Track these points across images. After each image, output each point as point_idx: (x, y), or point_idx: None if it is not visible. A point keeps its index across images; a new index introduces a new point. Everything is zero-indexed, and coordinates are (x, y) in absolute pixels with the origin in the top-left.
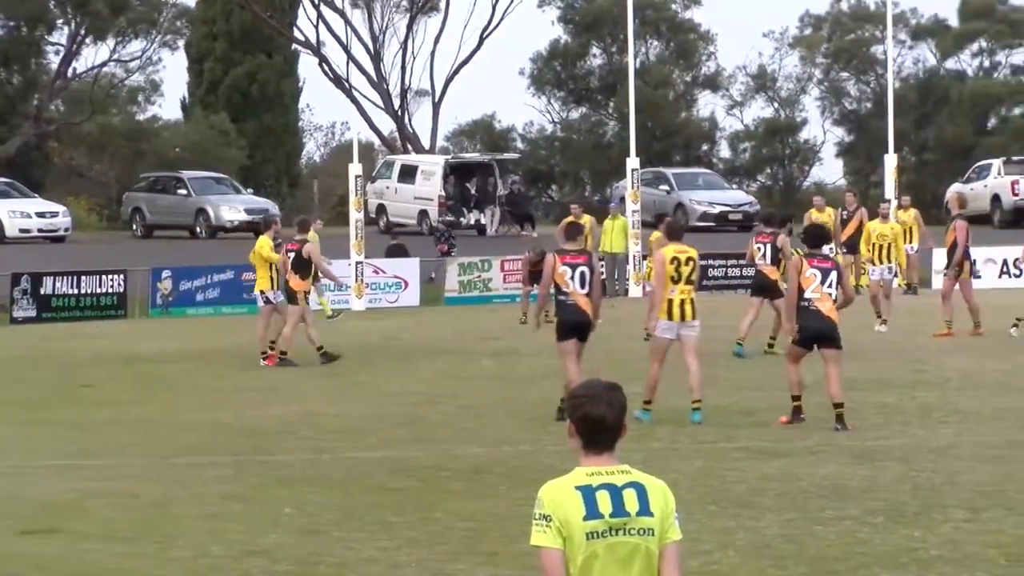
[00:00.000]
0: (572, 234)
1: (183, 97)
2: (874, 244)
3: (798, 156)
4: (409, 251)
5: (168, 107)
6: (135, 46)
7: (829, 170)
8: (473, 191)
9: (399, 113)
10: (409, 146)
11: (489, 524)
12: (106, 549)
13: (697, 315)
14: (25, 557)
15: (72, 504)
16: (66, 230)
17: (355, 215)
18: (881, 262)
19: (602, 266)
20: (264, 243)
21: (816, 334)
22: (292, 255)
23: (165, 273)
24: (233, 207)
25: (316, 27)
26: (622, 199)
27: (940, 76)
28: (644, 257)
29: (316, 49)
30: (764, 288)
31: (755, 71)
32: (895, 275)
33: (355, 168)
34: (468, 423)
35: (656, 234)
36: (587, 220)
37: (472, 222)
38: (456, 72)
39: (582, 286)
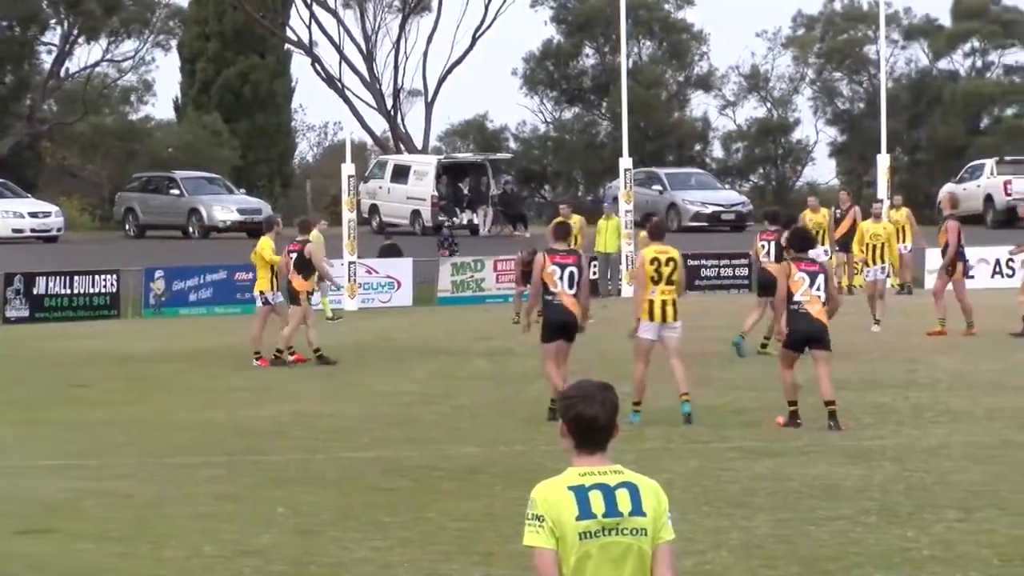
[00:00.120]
0: (561, 234)
1: (176, 97)
2: (867, 244)
3: (791, 156)
4: (403, 251)
5: (161, 107)
6: (128, 46)
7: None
8: (466, 191)
9: (392, 113)
10: (402, 146)
11: (483, 524)
12: (100, 549)
13: (679, 316)
14: (20, 557)
15: (66, 504)
16: (59, 230)
17: (348, 215)
18: (875, 262)
19: (595, 266)
20: (266, 244)
21: (806, 336)
22: (294, 255)
23: (158, 273)
24: (226, 207)
25: (309, 27)
26: (615, 199)
27: (933, 76)
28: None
29: (309, 49)
30: (768, 286)
31: (748, 71)
32: (888, 275)
33: (348, 168)
34: (461, 423)
35: (642, 234)
36: (576, 220)
37: (465, 222)
38: (449, 72)
39: (570, 286)
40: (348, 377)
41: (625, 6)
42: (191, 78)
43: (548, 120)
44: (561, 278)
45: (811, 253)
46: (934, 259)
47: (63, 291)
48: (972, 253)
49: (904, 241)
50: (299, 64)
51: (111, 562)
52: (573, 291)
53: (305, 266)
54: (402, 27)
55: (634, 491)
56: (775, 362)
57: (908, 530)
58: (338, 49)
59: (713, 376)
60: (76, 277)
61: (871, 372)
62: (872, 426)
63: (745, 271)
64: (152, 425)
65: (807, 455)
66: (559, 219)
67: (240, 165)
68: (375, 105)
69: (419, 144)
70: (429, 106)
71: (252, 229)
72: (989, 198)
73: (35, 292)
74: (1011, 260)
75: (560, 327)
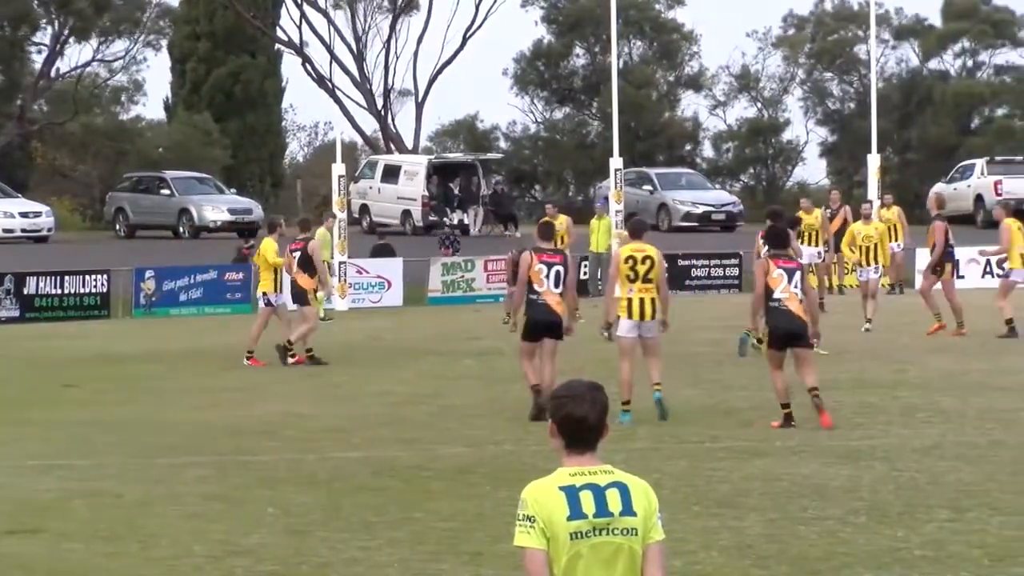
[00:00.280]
0: (546, 234)
1: (166, 97)
2: (860, 246)
3: (781, 156)
4: (396, 251)
5: (151, 107)
6: (118, 46)
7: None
8: (456, 191)
9: (382, 113)
10: (392, 146)
11: (472, 524)
12: (89, 549)
13: (658, 314)
14: (8, 557)
15: (55, 504)
16: (49, 230)
17: (338, 215)
18: (868, 263)
19: (586, 265)
20: (268, 246)
21: (788, 333)
22: (297, 254)
23: (148, 273)
24: (216, 207)
25: (299, 27)
26: (606, 199)
27: (923, 76)
28: None
29: (299, 49)
30: None
31: (738, 71)
32: (881, 275)
33: (338, 168)
34: (451, 423)
35: (623, 233)
36: (563, 220)
37: (455, 222)
38: (439, 72)
39: (556, 285)
40: (338, 377)
41: (615, 6)
42: (182, 78)
43: (539, 120)
44: (547, 276)
45: (805, 254)
46: (924, 259)
47: (53, 291)
48: (962, 253)
49: (896, 240)
50: (290, 64)
51: (100, 562)
52: (559, 290)
53: (309, 264)
54: (392, 27)
55: (624, 491)
56: (766, 363)
57: (898, 530)
58: (328, 49)
59: (704, 376)
60: (66, 277)
61: (861, 372)
62: (862, 426)
63: (736, 271)
64: (142, 425)
65: (797, 455)
66: (545, 219)
67: (231, 165)
68: (365, 105)
69: (409, 144)
70: (419, 106)
71: (242, 229)
72: (979, 198)
73: (25, 292)
74: (985, 256)
75: (543, 327)
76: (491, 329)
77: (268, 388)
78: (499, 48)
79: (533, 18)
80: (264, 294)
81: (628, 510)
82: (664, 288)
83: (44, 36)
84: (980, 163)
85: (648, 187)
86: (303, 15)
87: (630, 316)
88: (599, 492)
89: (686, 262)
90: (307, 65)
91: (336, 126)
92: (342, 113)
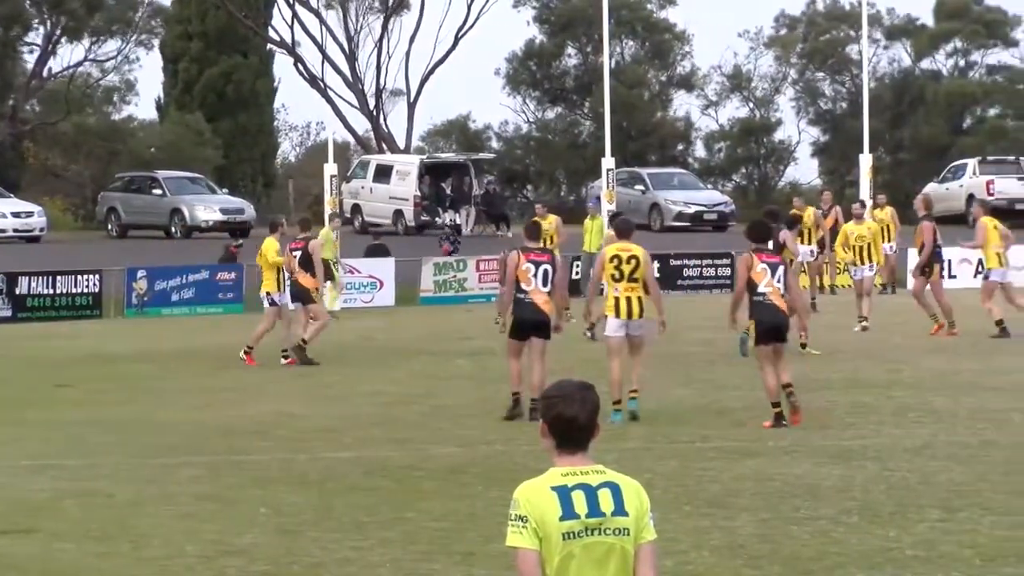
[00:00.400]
0: (534, 233)
1: (158, 97)
2: (853, 247)
3: (773, 156)
4: (390, 251)
5: (143, 107)
6: (110, 46)
7: (804, 170)
8: (448, 191)
9: (374, 113)
10: (384, 146)
11: (464, 524)
12: (81, 549)
13: (645, 314)
14: (0, 557)
15: (47, 504)
16: (41, 230)
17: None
18: (862, 262)
19: (578, 265)
20: (270, 246)
21: (773, 326)
22: (298, 254)
23: (140, 273)
24: (208, 207)
25: (291, 27)
26: (598, 199)
27: (915, 76)
28: None
29: (291, 49)
30: None
31: (730, 71)
32: (875, 272)
33: (330, 168)
34: (443, 423)
35: (610, 232)
36: (552, 220)
37: (448, 222)
38: (431, 72)
39: (544, 284)
40: (330, 377)
41: (607, 6)
42: (174, 78)
43: (531, 120)
44: (535, 275)
45: (801, 253)
46: (915, 261)
47: (46, 291)
48: (953, 254)
49: (889, 240)
50: (282, 64)
51: (92, 562)
52: (547, 289)
53: (310, 263)
54: (384, 27)
55: (616, 491)
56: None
57: (890, 530)
58: (320, 49)
59: (695, 376)
60: (59, 277)
61: (853, 371)
62: (854, 426)
63: (727, 271)
64: (134, 425)
65: (789, 455)
66: (533, 219)
67: (222, 165)
68: (357, 105)
69: (401, 144)
70: (411, 106)
71: (234, 229)
72: (971, 198)
73: (17, 292)
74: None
75: (530, 325)
76: (483, 329)
77: (260, 388)
78: (491, 48)
79: (525, 18)
80: (268, 294)
81: (620, 510)
82: (655, 288)
83: (36, 36)
84: (972, 163)
85: (640, 187)
86: (295, 15)
87: (617, 315)
88: (591, 492)
89: (678, 262)
90: (299, 65)
91: (328, 126)
92: (334, 113)
